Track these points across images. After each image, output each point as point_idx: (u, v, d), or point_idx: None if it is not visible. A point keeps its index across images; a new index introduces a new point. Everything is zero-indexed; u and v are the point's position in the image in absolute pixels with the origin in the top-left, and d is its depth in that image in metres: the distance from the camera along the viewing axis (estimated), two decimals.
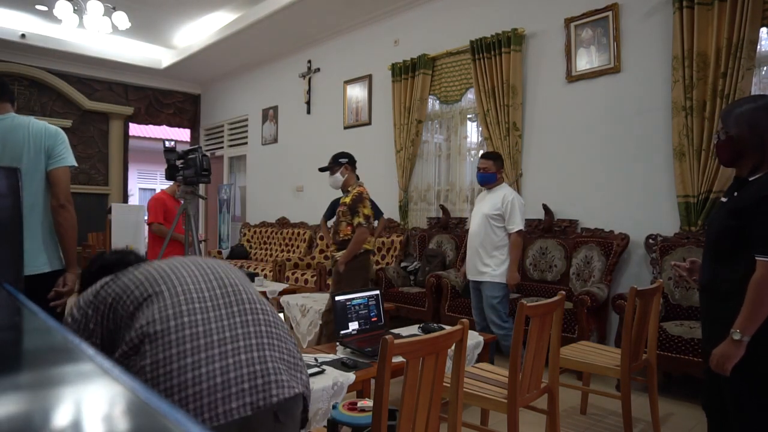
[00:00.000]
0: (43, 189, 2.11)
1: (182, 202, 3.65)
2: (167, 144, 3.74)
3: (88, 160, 8.65)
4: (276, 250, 7.26)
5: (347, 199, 3.52)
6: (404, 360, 1.54)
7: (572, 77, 4.31)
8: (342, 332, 2.65)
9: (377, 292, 2.91)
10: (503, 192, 3.50)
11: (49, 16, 6.78)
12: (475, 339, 2.82)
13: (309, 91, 7.17)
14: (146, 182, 16.01)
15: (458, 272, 3.94)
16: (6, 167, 1.69)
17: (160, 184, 15.19)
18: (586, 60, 4.23)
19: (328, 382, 2.01)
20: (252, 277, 5.00)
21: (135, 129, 10.39)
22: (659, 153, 3.82)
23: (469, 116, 5.24)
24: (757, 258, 1.55)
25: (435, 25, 5.47)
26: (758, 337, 1.55)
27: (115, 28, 6.28)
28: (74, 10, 5.90)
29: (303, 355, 2.38)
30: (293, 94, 7.43)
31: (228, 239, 8.66)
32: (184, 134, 10.94)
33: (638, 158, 3.94)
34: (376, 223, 4.96)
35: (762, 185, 1.60)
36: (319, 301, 4.03)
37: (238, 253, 7.53)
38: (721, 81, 3.43)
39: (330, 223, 4.60)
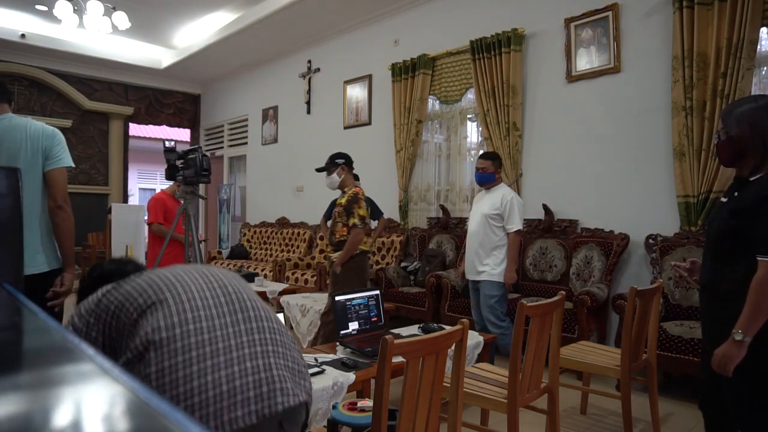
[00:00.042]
0: (40, 189, 2.12)
1: (182, 202, 3.65)
2: (167, 144, 3.74)
3: (88, 160, 8.65)
4: (276, 250, 7.26)
5: (343, 200, 3.52)
6: (404, 360, 1.54)
7: (572, 77, 4.31)
8: (342, 332, 2.65)
9: (377, 292, 2.91)
10: (502, 192, 3.51)
11: (49, 16, 6.78)
12: (475, 339, 2.82)
13: (309, 91, 7.17)
14: (146, 182, 16.01)
15: (457, 273, 3.94)
16: (6, 167, 1.69)
17: (160, 184, 15.19)
18: (586, 60, 4.23)
19: (328, 382, 2.01)
20: (252, 277, 5.00)
21: (135, 129, 10.39)
22: (659, 153, 3.82)
23: (469, 116, 5.24)
24: (758, 258, 1.55)
25: (435, 25, 5.47)
26: (760, 338, 1.55)
27: (115, 28, 6.28)
28: (74, 10, 5.90)
29: (303, 355, 2.39)
30: (293, 94, 7.43)
31: (228, 239, 8.66)
32: (184, 134, 10.94)
33: (638, 158, 3.94)
34: (375, 223, 4.98)
35: (763, 185, 1.60)
36: (319, 301, 4.03)
37: (238, 253, 7.53)
38: (721, 81, 3.43)
39: (330, 223, 4.60)
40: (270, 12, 6.19)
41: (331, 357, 2.36)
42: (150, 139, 12.99)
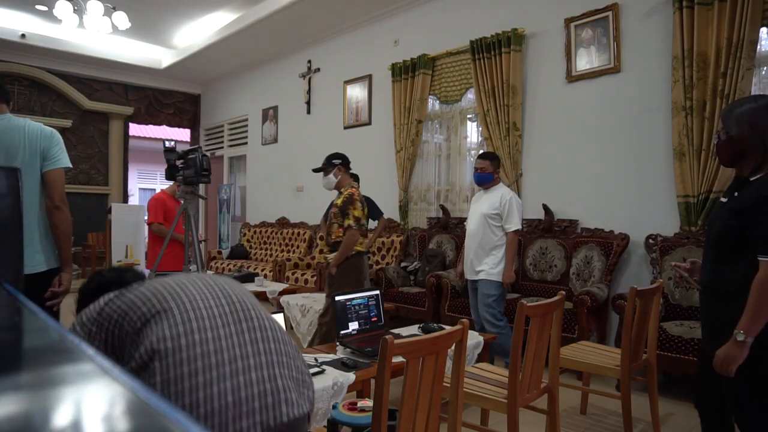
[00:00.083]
0: (38, 190, 2.13)
1: (182, 202, 3.66)
2: (167, 144, 3.75)
3: (88, 160, 8.65)
4: (276, 250, 7.26)
5: (339, 201, 3.51)
6: (404, 360, 1.54)
7: (572, 77, 4.31)
8: (342, 332, 2.65)
9: (377, 292, 2.91)
10: (501, 192, 3.52)
11: (49, 16, 6.78)
12: (475, 339, 2.82)
13: (309, 91, 7.17)
14: (146, 182, 16.01)
15: (455, 273, 3.94)
16: (6, 167, 1.69)
17: (160, 184, 15.19)
18: (586, 60, 4.23)
19: (328, 382, 2.01)
20: (252, 277, 5.00)
21: (135, 129, 10.39)
22: (659, 153, 3.82)
23: (469, 116, 5.24)
24: (759, 258, 1.55)
25: (435, 25, 5.47)
26: (761, 338, 1.55)
27: (115, 28, 6.28)
28: (74, 10, 5.90)
29: (303, 355, 2.39)
30: (293, 94, 7.43)
31: (228, 239, 8.66)
32: (184, 134, 10.95)
33: (638, 158, 3.94)
34: (375, 223, 4.98)
35: (763, 185, 1.60)
36: (319, 301, 4.03)
37: (238, 253, 7.53)
38: (721, 81, 3.43)
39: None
40: (270, 12, 6.19)
41: (331, 357, 2.36)
42: (150, 139, 12.99)
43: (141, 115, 9.26)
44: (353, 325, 2.72)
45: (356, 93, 6.41)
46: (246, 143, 8.58)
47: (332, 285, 3.48)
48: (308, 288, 5.44)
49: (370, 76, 6.22)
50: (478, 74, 4.82)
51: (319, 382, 1.99)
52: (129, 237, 7.14)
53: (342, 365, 2.22)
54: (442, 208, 5.25)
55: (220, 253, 7.70)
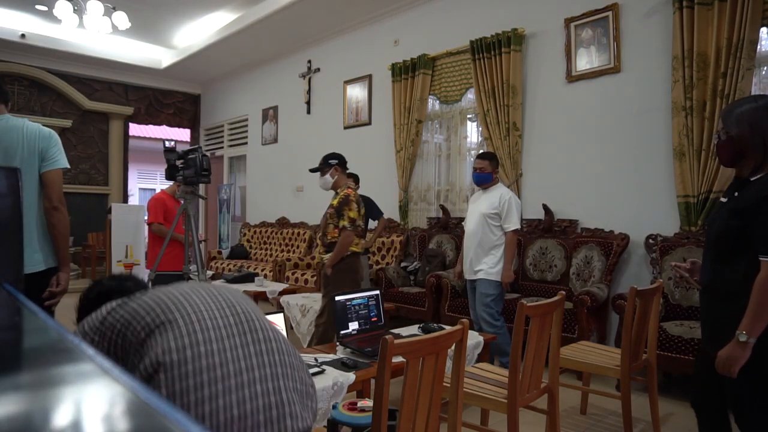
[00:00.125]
0: (36, 190, 2.14)
1: (182, 202, 3.66)
2: (167, 144, 3.75)
3: (88, 160, 8.65)
4: (276, 250, 7.26)
5: (335, 202, 3.50)
6: (404, 360, 1.54)
7: (572, 77, 4.31)
8: (342, 332, 2.65)
9: (377, 292, 2.91)
10: (500, 191, 3.52)
11: (49, 16, 6.78)
12: (475, 339, 2.82)
13: (309, 91, 7.17)
14: (146, 182, 16.01)
15: (454, 273, 3.94)
16: (6, 167, 1.69)
17: (160, 184, 15.19)
18: (586, 60, 4.23)
19: (328, 382, 2.01)
20: (252, 277, 5.00)
21: (135, 129, 10.39)
22: (659, 153, 3.82)
23: (469, 116, 5.24)
24: (760, 259, 1.54)
25: (435, 25, 5.47)
26: (763, 339, 1.55)
27: (115, 28, 6.28)
28: (74, 10, 5.90)
29: (303, 355, 2.39)
30: (293, 94, 7.43)
31: (228, 239, 8.66)
32: (184, 134, 10.94)
33: (638, 158, 3.94)
34: (375, 223, 4.98)
35: (763, 185, 1.59)
36: (319, 301, 4.03)
37: (238, 253, 7.53)
38: (721, 81, 3.43)
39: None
40: (270, 12, 6.19)
41: (331, 357, 2.36)
42: (150, 139, 12.99)
43: (141, 115, 9.26)
44: (353, 325, 2.72)
45: (356, 93, 6.41)
46: (246, 143, 8.58)
47: (328, 285, 3.47)
48: (308, 288, 5.44)
49: (370, 76, 6.22)
50: (478, 74, 4.82)
51: (319, 382, 1.99)
52: (129, 237, 7.13)
53: (342, 365, 2.22)
54: (442, 208, 5.25)
55: (220, 253, 7.70)
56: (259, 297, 4.78)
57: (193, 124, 9.96)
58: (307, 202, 7.09)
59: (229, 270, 6.66)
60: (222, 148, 9.25)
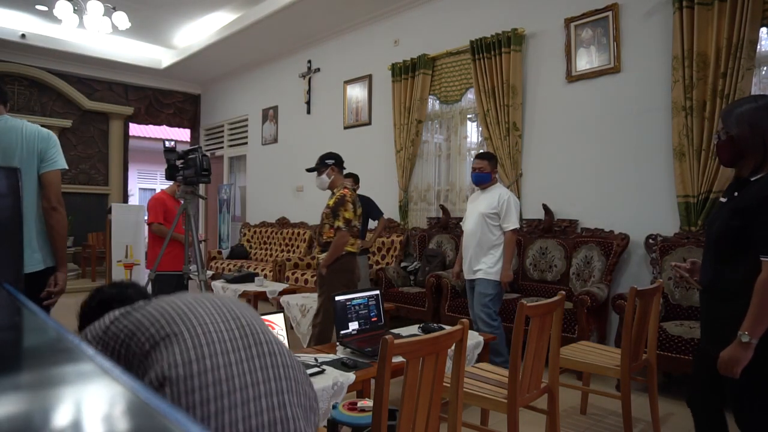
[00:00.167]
0: (35, 190, 2.15)
1: (182, 202, 3.66)
2: (167, 144, 3.75)
3: (88, 160, 8.65)
4: (276, 250, 7.26)
5: (331, 202, 3.49)
6: (404, 360, 1.54)
7: (572, 77, 4.31)
8: (342, 332, 2.65)
9: (377, 292, 2.91)
10: (499, 191, 3.52)
11: (49, 16, 6.78)
12: (475, 339, 2.82)
13: (309, 91, 7.17)
14: (146, 182, 16.02)
15: (452, 274, 3.94)
16: (6, 167, 1.69)
17: (160, 184, 15.20)
18: (586, 60, 4.23)
19: (328, 382, 2.01)
20: (252, 277, 5.00)
21: (135, 129, 10.39)
22: (659, 153, 3.82)
23: (469, 116, 5.24)
24: (761, 259, 1.54)
25: (435, 25, 5.47)
26: (765, 339, 1.54)
27: (115, 28, 6.28)
28: (74, 10, 5.90)
29: (303, 355, 2.39)
30: (293, 94, 7.43)
31: (228, 239, 8.66)
32: (184, 134, 10.95)
33: (638, 158, 3.94)
34: (375, 223, 4.98)
35: (764, 185, 1.59)
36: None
37: (238, 253, 7.53)
38: (721, 81, 3.43)
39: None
40: (270, 12, 6.19)
41: (331, 357, 2.36)
42: (150, 139, 12.99)
43: (141, 115, 9.26)
44: (353, 325, 2.72)
45: (356, 93, 6.41)
46: (246, 143, 8.58)
47: (323, 285, 3.47)
48: (308, 288, 5.44)
49: (370, 76, 6.22)
50: (478, 74, 4.82)
51: (319, 382, 1.99)
52: (129, 237, 7.14)
53: (342, 365, 2.22)
54: (442, 208, 5.25)
55: (220, 253, 7.70)
56: (259, 297, 4.78)
57: (193, 124, 9.96)
58: (307, 202, 7.09)
59: (229, 270, 6.66)
60: (222, 148, 9.25)
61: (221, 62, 8.21)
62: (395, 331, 2.88)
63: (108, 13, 6.09)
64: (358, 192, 4.91)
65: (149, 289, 3.89)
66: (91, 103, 8.58)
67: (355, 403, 1.91)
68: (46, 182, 2.16)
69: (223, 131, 9.25)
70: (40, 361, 0.73)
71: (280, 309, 4.19)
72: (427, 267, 4.93)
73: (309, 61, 7.16)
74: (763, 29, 3.41)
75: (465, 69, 5.11)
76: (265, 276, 5.91)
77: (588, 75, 4.21)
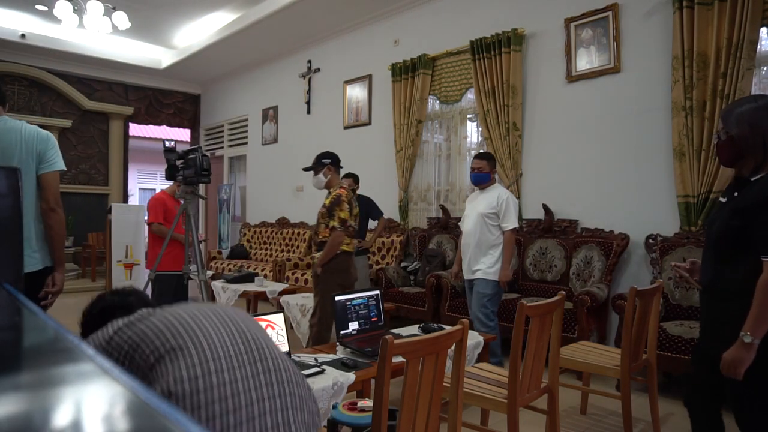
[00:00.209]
0: (34, 191, 2.17)
1: (182, 202, 3.66)
2: (167, 144, 3.75)
3: (88, 160, 8.65)
4: (276, 250, 7.26)
5: (327, 201, 3.48)
6: (404, 360, 1.54)
7: (572, 77, 4.31)
8: (342, 332, 2.65)
9: (377, 292, 2.91)
10: (498, 191, 3.52)
11: (49, 16, 6.78)
12: (475, 339, 2.82)
13: (309, 91, 7.17)
14: (146, 182, 16.02)
15: (450, 274, 3.93)
16: (6, 167, 1.69)
17: (160, 184, 15.20)
18: (586, 60, 4.23)
19: (328, 382, 2.01)
20: (252, 277, 5.00)
21: (135, 129, 10.39)
22: (659, 153, 3.82)
23: (469, 116, 5.24)
24: (763, 259, 1.54)
25: (435, 25, 5.47)
26: (763, 339, 1.54)
27: (115, 28, 6.28)
28: (74, 10, 5.90)
29: (303, 355, 2.39)
30: (293, 94, 7.43)
31: (228, 239, 8.66)
32: (184, 134, 10.95)
33: (638, 158, 3.94)
34: (375, 223, 4.98)
35: (764, 185, 1.59)
36: None
37: (238, 253, 7.53)
38: (721, 81, 3.43)
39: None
40: (270, 12, 6.19)
41: (331, 357, 2.36)
42: (150, 139, 12.99)
43: (141, 115, 9.26)
44: (353, 325, 2.72)
45: (356, 93, 6.41)
46: (246, 143, 8.58)
47: (318, 285, 3.46)
48: (308, 288, 5.44)
49: (370, 76, 6.22)
50: (478, 74, 4.82)
51: (319, 382, 1.99)
52: (129, 237, 7.13)
53: (342, 365, 2.22)
54: (442, 208, 5.25)
55: (220, 253, 7.70)
56: (259, 297, 4.78)
57: (193, 124, 9.97)
58: (307, 202, 7.09)
59: (229, 270, 6.66)
60: (222, 148, 9.26)
61: (221, 62, 8.21)
62: (395, 331, 2.88)
63: (108, 13, 6.09)
64: (358, 192, 4.92)
65: (149, 288, 3.90)
66: (91, 103, 8.58)
67: (355, 403, 1.91)
68: (45, 183, 2.17)
69: (223, 131, 9.25)
70: (40, 361, 0.73)
71: (280, 309, 4.19)
72: (427, 267, 4.93)
73: (309, 61, 7.16)
74: (763, 29, 3.41)
75: (465, 69, 5.11)
76: (265, 276, 5.91)
77: (588, 75, 4.21)
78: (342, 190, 3.48)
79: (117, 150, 8.94)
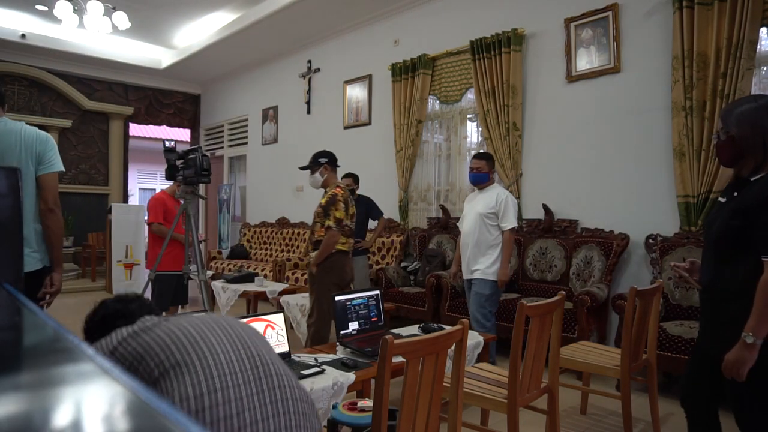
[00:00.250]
0: (33, 192, 2.18)
1: (182, 202, 3.66)
2: (167, 144, 3.75)
3: (88, 160, 8.65)
4: (276, 250, 7.26)
5: (323, 200, 3.48)
6: (404, 360, 1.54)
7: (572, 77, 4.31)
8: (342, 332, 2.65)
9: (377, 292, 2.91)
10: (496, 191, 3.52)
11: (49, 16, 6.78)
12: (475, 339, 2.82)
13: (309, 91, 7.17)
14: (146, 182, 16.02)
15: (449, 274, 3.93)
16: (6, 167, 1.69)
17: (160, 184, 15.20)
18: (586, 60, 4.23)
19: (328, 382, 2.01)
20: (252, 277, 5.00)
21: (135, 129, 10.39)
22: (659, 153, 3.82)
23: (469, 116, 5.24)
24: (764, 259, 1.54)
25: (435, 25, 5.47)
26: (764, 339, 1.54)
27: (115, 28, 6.28)
28: (74, 10, 5.90)
29: (303, 354, 2.39)
30: (293, 94, 7.43)
31: (228, 239, 8.66)
32: (184, 134, 10.95)
33: (638, 158, 3.94)
34: (376, 223, 4.98)
35: (765, 185, 1.59)
36: None
37: (238, 253, 7.53)
38: (721, 81, 3.43)
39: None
40: (270, 12, 6.19)
41: (331, 357, 2.36)
42: (150, 139, 12.99)
43: (141, 115, 9.26)
44: (353, 325, 2.72)
45: (356, 93, 6.41)
46: (246, 143, 8.58)
47: (313, 284, 3.46)
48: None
49: (370, 76, 6.22)
50: (478, 74, 4.82)
51: (319, 382, 1.99)
52: (129, 237, 7.13)
53: (342, 365, 2.22)
54: (442, 208, 5.25)
55: (220, 253, 7.70)
56: (259, 297, 4.78)
57: (193, 124, 9.97)
58: (307, 202, 7.09)
59: (229, 270, 6.66)
60: (222, 148, 9.25)
61: (221, 62, 8.21)
62: (395, 331, 2.88)
63: (108, 13, 6.09)
64: (358, 192, 4.92)
65: (149, 288, 3.90)
66: (91, 103, 8.58)
67: (355, 403, 1.91)
68: (44, 184, 2.19)
69: (223, 131, 9.25)
70: (40, 361, 0.73)
71: (280, 309, 4.19)
72: (427, 267, 4.93)
73: (309, 61, 7.16)
74: (763, 29, 3.41)
75: (465, 69, 5.11)
76: (265, 276, 5.91)
77: (588, 75, 4.21)
78: (338, 189, 3.46)
79: (117, 150, 8.94)
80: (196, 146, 3.68)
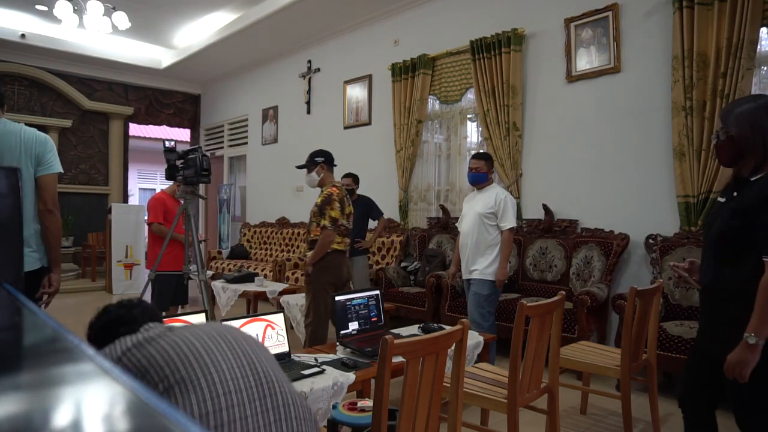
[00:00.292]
0: (32, 192, 2.19)
1: (182, 202, 3.66)
2: (167, 144, 3.75)
3: (88, 160, 8.65)
4: (276, 250, 7.26)
5: (318, 200, 3.47)
6: (404, 360, 1.54)
7: (572, 77, 4.31)
8: (342, 332, 2.65)
9: (377, 292, 2.91)
10: (495, 191, 3.52)
11: (49, 16, 6.78)
12: (475, 339, 2.82)
13: (309, 91, 7.17)
14: (146, 182, 16.02)
15: (448, 275, 3.92)
16: (6, 167, 1.70)
17: (160, 184, 15.20)
18: (586, 60, 4.23)
19: (328, 382, 2.01)
20: (252, 277, 5.00)
21: (135, 129, 10.39)
22: (659, 153, 3.82)
23: (469, 116, 5.24)
24: (764, 259, 1.53)
25: (435, 25, 5.47)
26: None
27: (115, 28, 6.28)
28: (74, 10, 5.90)
29: (303, 354, 2.39)
30: (293, 94, 7.43)
31: (228, 239, 8.67)
32: (184, 134, 10.95)
33: (638, 158, 3.94)
34: (376, 223, 4.98)
35: (765, 185, 1.59)
36: None
37: (238, 253, 7.53)
38: (721, 81, 3.43)
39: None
40: (270, 12, 6.19)
41: (331, 357, 2.36)
42: (150, 139, 12.99)
43: (141, 115, 9.27)
44: (353, 325, 2.72)
45: (356, 93, 6.41)
46: (246, 143, 8.58)
47: (309, 284, 3.45)
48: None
49: (370, 76, 6.22)
50: (478, 74, 4.82)
51: (319, 382, 1.99)
52: (129, 237, 7.14)
53: (342, 365, 2.22)
54: (442, 208, 5.25)
55: (220, 253, 7.70)
56: (259, 297, 4.78)
57: (193, 124, 9.97)
58: (307, 202, 7.08)
59: (229, 270, 6.66)
60: (222, 148, 9.25)
61: (221, 62, 8.21)
62: (395, 331, 2.88)
63: (108, 13, 6.09)
64: (358, 192, 4.92)
65: (149, 288, 3.90)
66: (91, 103, 8.58)
67: (355, 403, 1.91)
68: (43, 185, 2.20)
69: (223, 131, 9.25)
70: (40, 361, 0.73)
71: (280, 309, 4.19)
72: (427, 267, 4.93)
73: (309, 61, 7.16)
74: (763, 29, 3.41)
75: (465, 69, 5.11)
76: (265, 276, 5.91)
77: (588, 75, 4.21)
78: (333, 188, 3.44)
79: (117, 150, 8.94)
80: (196, 146, 3.68)
